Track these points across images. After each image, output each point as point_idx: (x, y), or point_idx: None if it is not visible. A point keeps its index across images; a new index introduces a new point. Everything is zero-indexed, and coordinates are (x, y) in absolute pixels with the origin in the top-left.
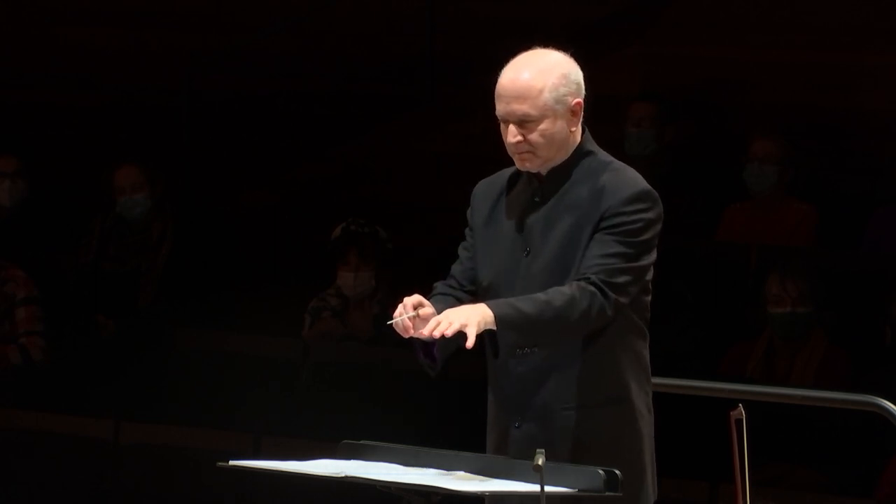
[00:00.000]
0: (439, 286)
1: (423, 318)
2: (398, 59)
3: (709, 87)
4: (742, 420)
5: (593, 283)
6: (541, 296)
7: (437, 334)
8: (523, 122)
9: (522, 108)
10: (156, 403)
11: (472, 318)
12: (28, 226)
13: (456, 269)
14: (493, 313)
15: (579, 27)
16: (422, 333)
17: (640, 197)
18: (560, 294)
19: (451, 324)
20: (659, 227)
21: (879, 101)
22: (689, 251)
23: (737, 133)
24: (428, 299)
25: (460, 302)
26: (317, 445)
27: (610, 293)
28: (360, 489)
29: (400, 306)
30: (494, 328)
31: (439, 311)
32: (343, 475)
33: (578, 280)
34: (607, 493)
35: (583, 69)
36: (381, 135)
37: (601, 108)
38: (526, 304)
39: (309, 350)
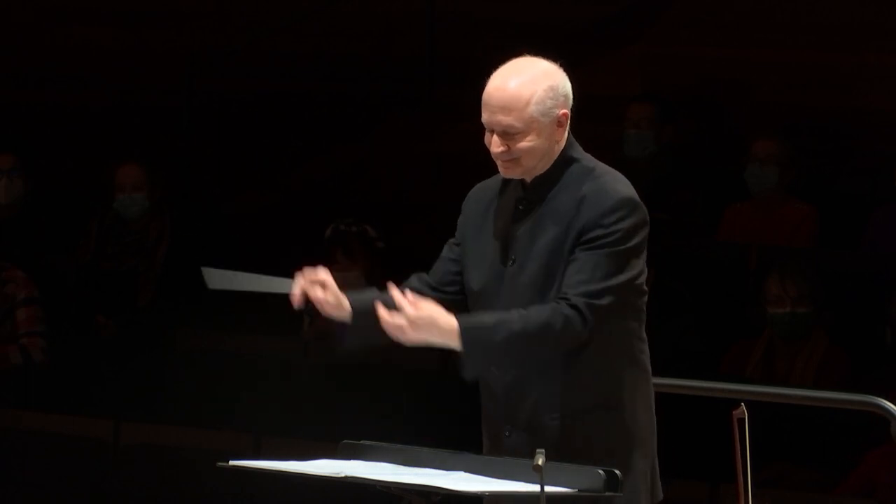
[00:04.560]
0: (414, 280)
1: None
2: (398, 59)
3: (709, 87)
4: (744, 419)
5: (573, 306)
6: (514, 318)
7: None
8: (507, 133)
9: (507, 119)
10: (156, 403)
11: (429, 337)
12: (28, 227)
13: (437, 267)
14: (460, 341)
15: (579, 27)
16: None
17: (616, 207)
18: (536, 316)
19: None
20: (644, 232)
21: (879, 101)
22: (689, 251)
23: (737, 133)
24: (400, 287)
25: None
26: (317, 445)
27: (589, 317)
28: (360, 489)
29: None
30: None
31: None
32: (343, 475)
33: (560, 300)
34: (607, 493)
35: (583, 69)
36: (381, 135)
37: (601, 109)
38: (498, 330)
39: (309, 350)
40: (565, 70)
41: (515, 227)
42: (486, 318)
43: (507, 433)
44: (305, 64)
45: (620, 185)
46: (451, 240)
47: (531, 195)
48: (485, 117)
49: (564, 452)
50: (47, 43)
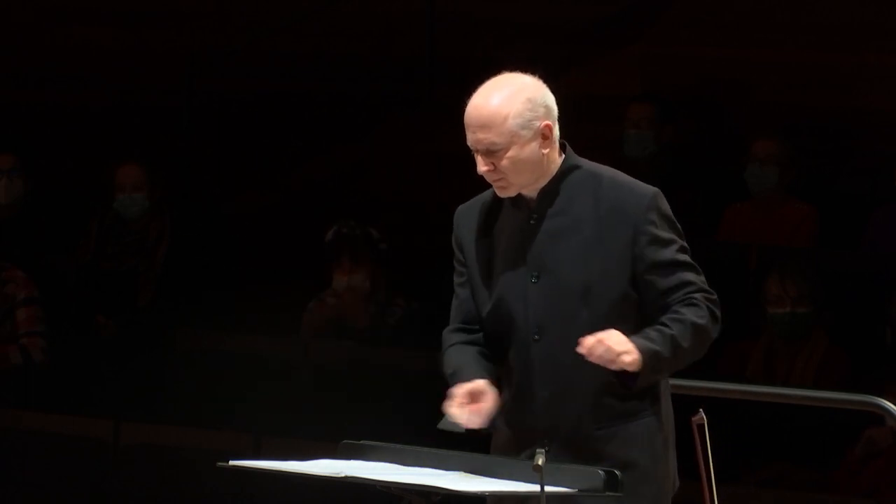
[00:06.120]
0: (451, 337)
1: (475, 412)
2: (398, 59)
3: (709, 87)
4: (704, 425)
5: (707, 307)
6: (679, 335)
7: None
8: (490, 151)
9: (488, 136)
10: (156, 403)
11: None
12: (28, 227)
13: (457, 312)
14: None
15: (579, 27)
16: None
17: (655, 204)
18: (690, 327)
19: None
20: None
21: (879, 101)
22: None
23: (737, 133)
24: (444, 351)
25: (482, 354)
26: (317, 445)
27: (716, 311)
28: (360, 489)
29: (455, 401)
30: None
31: (473, 373)
32: (343, 475)
33: (688, 305)
34: (607, 493)
35: (583, 69)
36: (381, 135)
37: (601, 109)
38: (665, 345)
39: (309, 350)
40: (564, 70)
41: (531, 243)
42: (657, 343)
43: (545, 447)
44: (305, 64)
45: (637, 182)
46: (457, 278)
47: (541, 209)
48: (468, 139)
49: (610, 463)
50: (47, 43)
